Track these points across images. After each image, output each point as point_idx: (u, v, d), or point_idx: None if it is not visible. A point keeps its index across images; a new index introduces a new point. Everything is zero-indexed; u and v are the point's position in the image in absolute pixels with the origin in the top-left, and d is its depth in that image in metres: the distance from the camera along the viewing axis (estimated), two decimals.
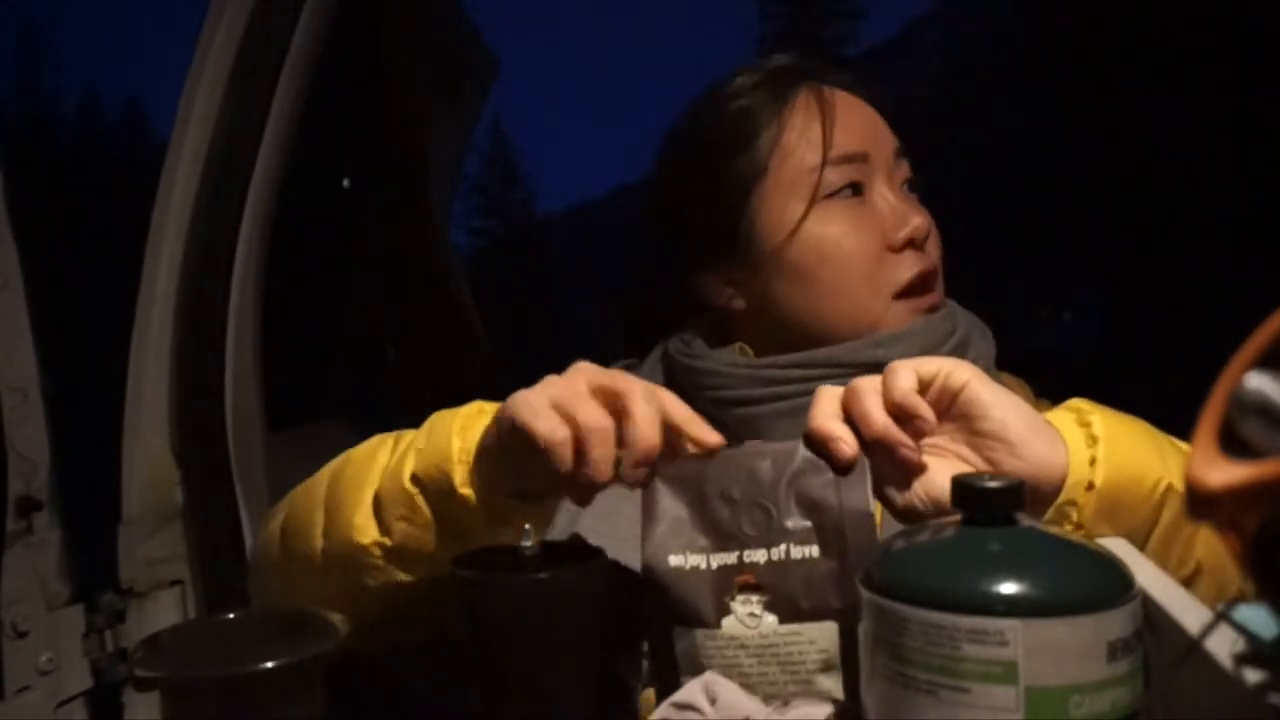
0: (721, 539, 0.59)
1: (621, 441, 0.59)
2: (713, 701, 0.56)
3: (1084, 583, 0.44)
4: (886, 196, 0.84)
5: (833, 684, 0.57)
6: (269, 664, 0.50)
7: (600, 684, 0.61)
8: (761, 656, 0.57)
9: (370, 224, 1.74)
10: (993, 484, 0.47)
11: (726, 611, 0.58)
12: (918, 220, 0.83)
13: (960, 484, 0.47)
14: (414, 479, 0.70)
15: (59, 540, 0.95)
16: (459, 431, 0.69)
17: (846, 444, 0.59)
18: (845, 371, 0.78)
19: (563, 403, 0.60)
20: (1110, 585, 0.44)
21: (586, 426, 0.59)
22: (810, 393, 0.78)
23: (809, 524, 0.58)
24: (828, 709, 0.56)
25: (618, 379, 0.62)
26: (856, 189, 0.84)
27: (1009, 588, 0.42)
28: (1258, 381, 0.35)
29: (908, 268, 0.83)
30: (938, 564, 0.45)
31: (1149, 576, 0.48)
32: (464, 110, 1.85)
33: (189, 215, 1.10)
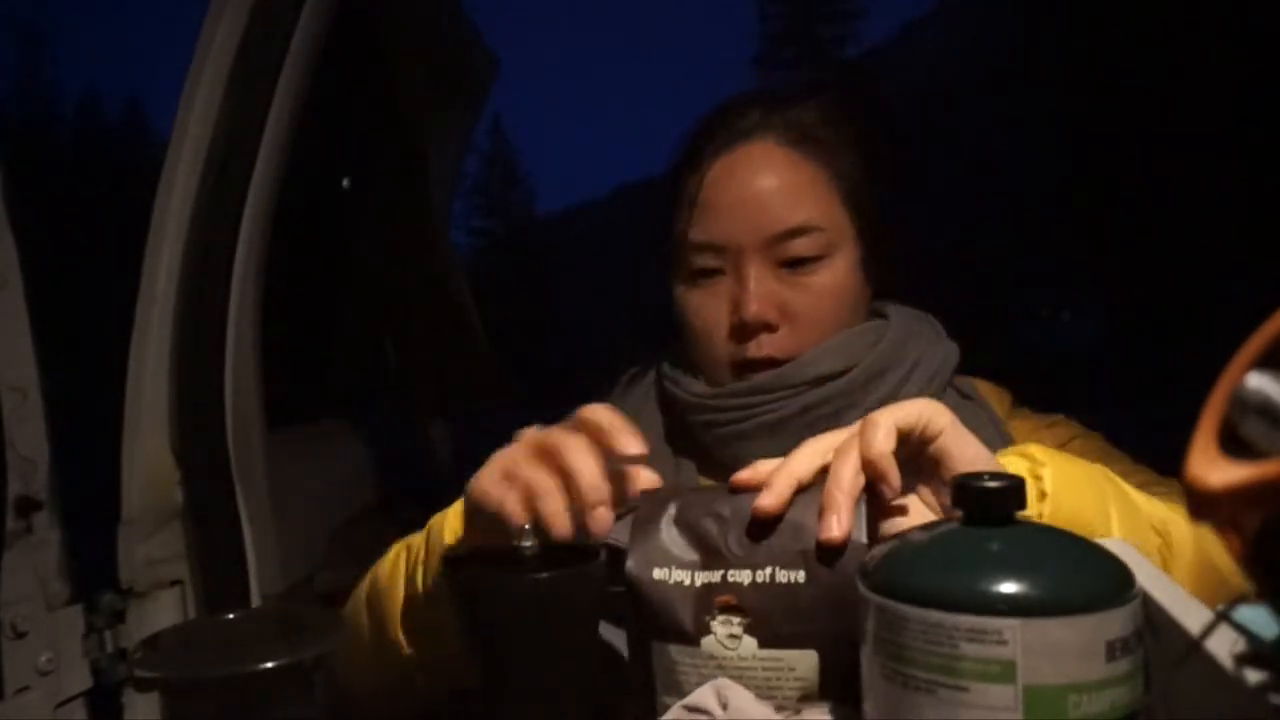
0: (708, 556, 0.58)
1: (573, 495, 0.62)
2: (724, 706, 0.55)
3: (1083, 582, 0.44)
4: (744, 279, 0.88)
5: (811, 713, 0.56)
6: (269, 664, 0.50)
7: (599, 683, 0.60)
8: (739, 678, 0.56)
9: (370, 224, 1.74)
10: (993, 484, 0.47)
11: (707, 630, 0.57)
12: (749, 310, 0.87)
13: (960, 484, 0.47)
14: (428, 594, 0.75)
15: (59, 540, 0.95)
16: (451, 533, 0.74)
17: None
18: (781, 395, 0.87)
19: (509, 472, 0.64)
20: (1110, 585, 0.44)
21: (531, 490, 0.62)
22: (754, 416, 0.88)
23: (798, 548, 0.57)
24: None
25: (553, 435, 0.65)
26: (718, 270, 0.90)
27: (1008, 587, 0.42)
28: (1258, 381, 0.35)
29: (738, 350, 0.90)
30: (937, 563, 0.45)
31: (1149, 576, 0.48)
32: (464, 110, 1.85)
33: (189, 215, 1.09)
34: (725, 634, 0.56)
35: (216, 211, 1.11)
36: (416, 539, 0.81)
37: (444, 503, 0.78)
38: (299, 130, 1.18)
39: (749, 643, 0.56)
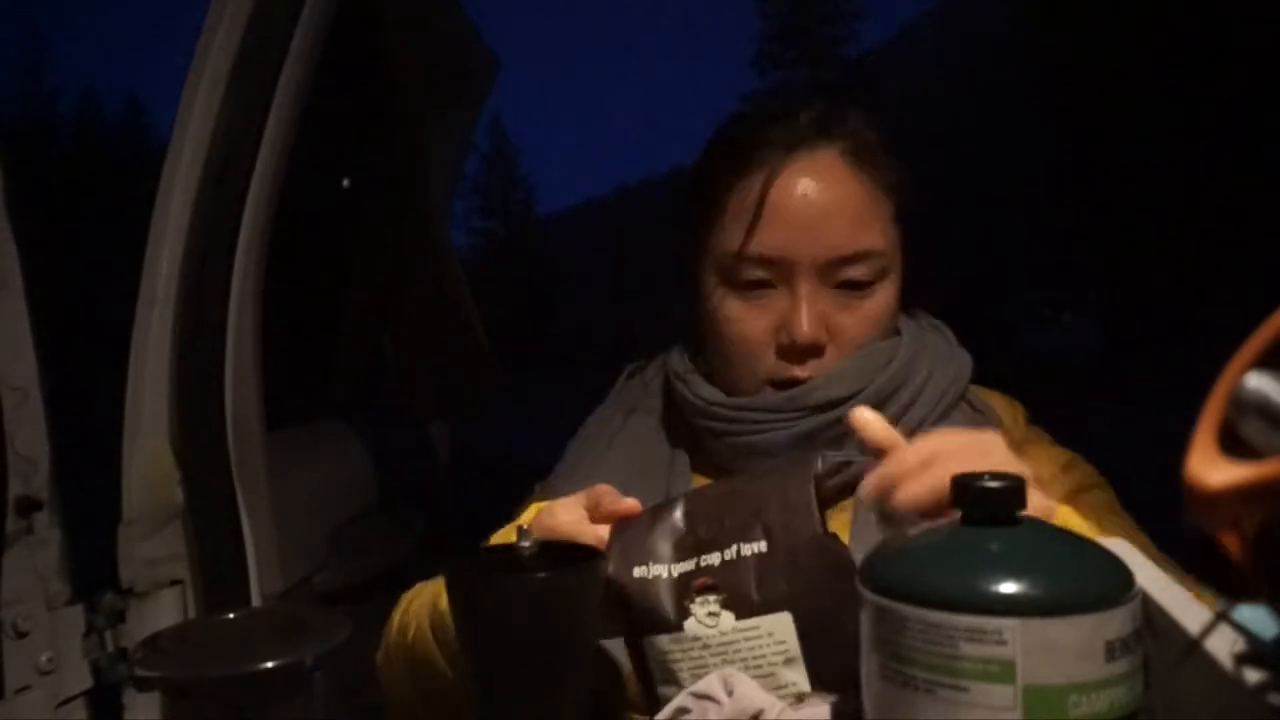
0: (680, 549, 0.62)
1: None
2: (729, 693, 0.57)
3: (1083, 582, 0.44)
4: (798, 298, 0.86)
5: (797, 676, 0.58)
6: (269, 664, 0.50)
7: (598, 682, 0.60)
8: (725, 654, 0.59)
9: (370, 224, 1.73)
10: (993, 484, 0.47)
11: (688, 614, 0.60)
12: (801, 332, 0.85)
13: (960, 484, 0.47)
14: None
15: (59, 540, 0.95)
16: None
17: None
18: (790, 416, 0.86)
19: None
20: (1109, 585, 0.44)
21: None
22: (759, 433, 0.87)
23: (756, 521, 0.61)
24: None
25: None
26: (768, 283, 0.87)
27: (1007, 587, 0.43)
28: (1258, 381, 0.35)
29: (782, 368, 0.88)
30: (937, 563, 0.45)
31: (1149, 576, 0.48)
32: (464, 110, 1.85)
33: (189, 215, 1.09)
34: (704, 613, 0.59)
35: (216, 211, 1.10)
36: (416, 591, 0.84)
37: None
38: (299, 130, 1.18)
39: (727, 617, 0.59)
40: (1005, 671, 0.42)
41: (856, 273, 0.86)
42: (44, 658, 0.93)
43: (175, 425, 1.10)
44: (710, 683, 0.58)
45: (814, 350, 0.87)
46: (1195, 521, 0.37)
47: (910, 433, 0.85)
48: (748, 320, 0.88)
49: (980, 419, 0.90)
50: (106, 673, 1.00)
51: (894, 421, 0.84)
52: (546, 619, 0.55)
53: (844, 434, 0.85)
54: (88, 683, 0.98)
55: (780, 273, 0.86)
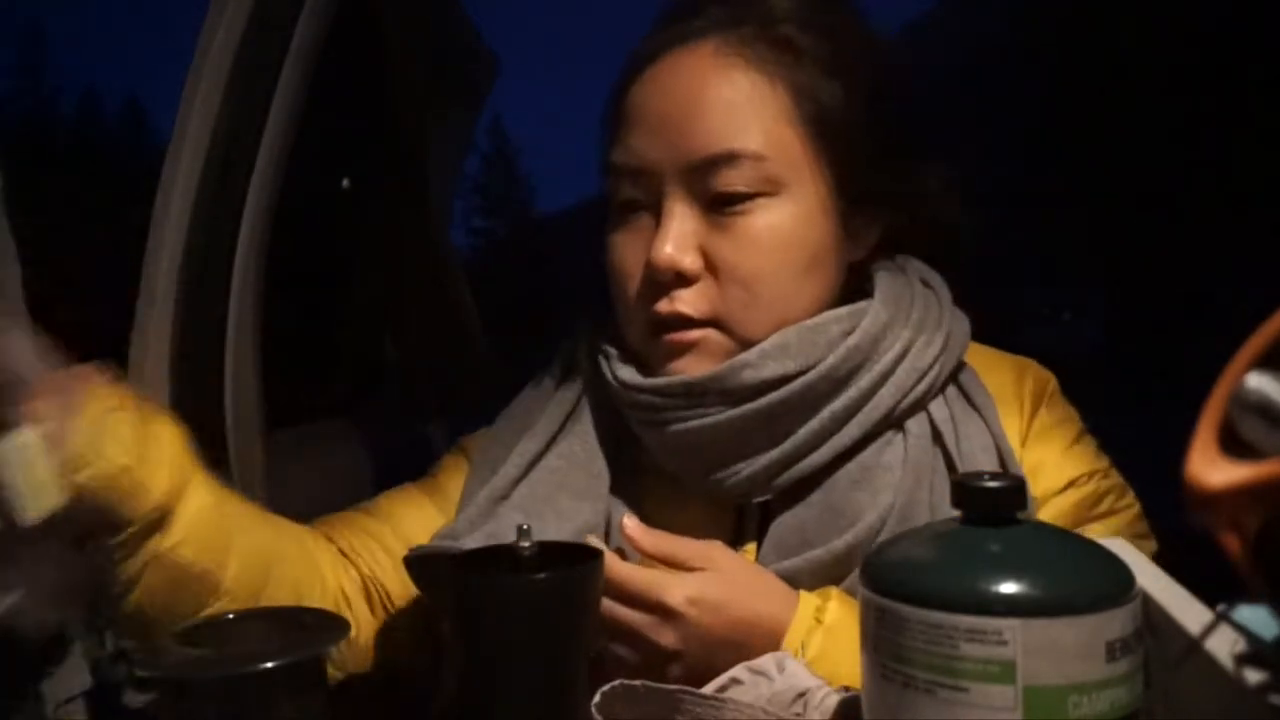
0: None
1: None
2: (781, 671, 0.60)
3: (1083, 582, 0.44)
4: (661, 218, 0.73)
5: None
6: (269, 664, 0.50)
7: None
8: None
9: (370, 224, 1.73)
10: (992, 484, 0.47)
11: None
12: (658, 254, 0.71)
13: (960, 484, 0.47)
14: None
15: None
16: None
17: None
18: (716, 401, 0.72)
19: None
20: (1110, 585, 0.44)
21: None
22: (683, 420, 0.72)
23: None
24: None
25: None
26: (639, 204, 0.75)
27: (1008, 587, 0.43)
28: (1258, 381, 0.35)
29: (649, 304, 0.74)
30: (937, 563, 0.45)
31: (1149, 576, 0.48)
32: (464, 110, 1.85)
33: (189, 215, 1.09)
34: None
35: (216, 211, 1.10)
36: None
37: None
38: (299, 130, 1.18)
39: None
40: (1005, 672, 0.42)
41: (730, 181, 0.71)
42: None
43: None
44: (764, 661, 0.61)
45: (680, 280, 0.72)
46: (1195, 521, 0.37)
47: (878, 423, 0.72)
48: (619, 247, 0.76)
49: (969, 415, 0.75)
50: (106, 673, 1.00)
51: (854, 410, 0.72)
52: (546, 619, 0.55)
53: (795, 420, 0.72)
54: (88, 683, 0.98)
55: (647, 187, 0.73)
